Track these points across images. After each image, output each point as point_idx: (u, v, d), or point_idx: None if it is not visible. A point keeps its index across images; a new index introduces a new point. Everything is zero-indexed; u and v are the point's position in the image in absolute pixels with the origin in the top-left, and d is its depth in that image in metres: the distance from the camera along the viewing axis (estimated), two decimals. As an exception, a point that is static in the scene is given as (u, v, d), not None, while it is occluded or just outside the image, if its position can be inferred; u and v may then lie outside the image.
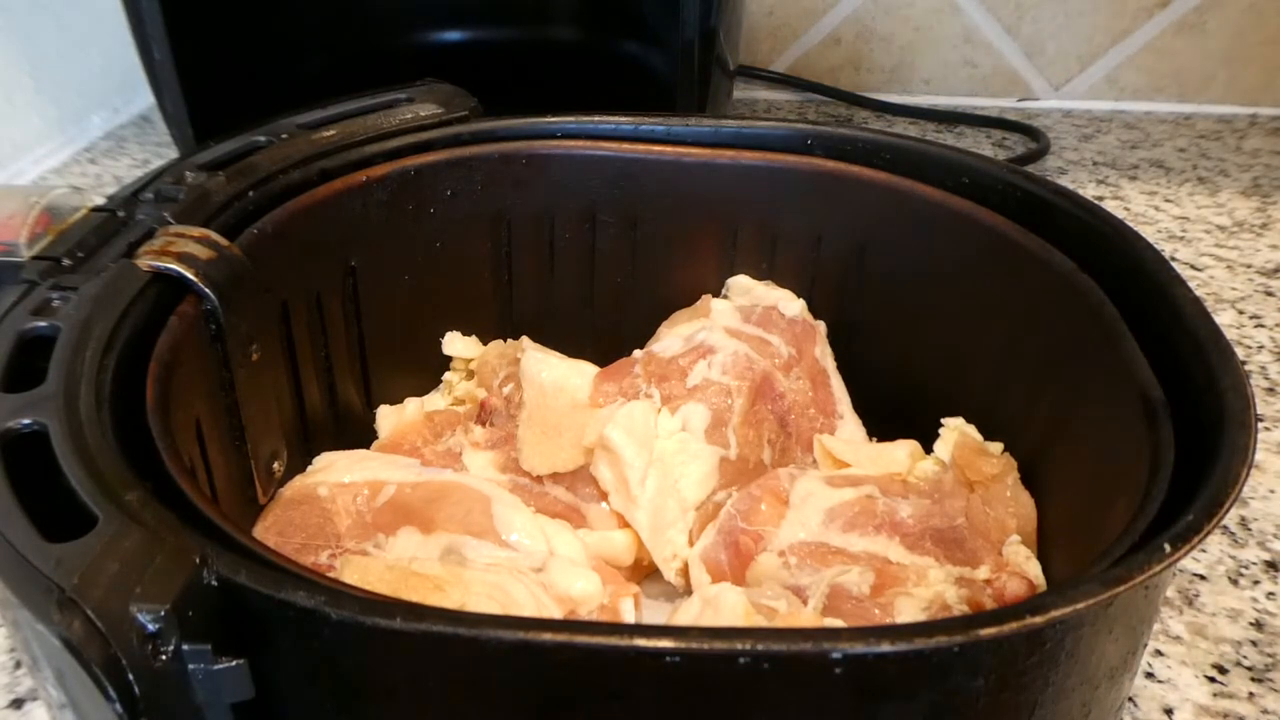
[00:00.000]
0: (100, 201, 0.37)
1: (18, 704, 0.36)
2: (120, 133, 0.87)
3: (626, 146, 0.45)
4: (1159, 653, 0.38)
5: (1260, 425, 0.51)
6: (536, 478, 0.41)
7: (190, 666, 0.22)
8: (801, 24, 0.93)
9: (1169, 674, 0.37)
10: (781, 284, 0.47)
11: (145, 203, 0.37)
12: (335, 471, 0.39)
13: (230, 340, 0.35)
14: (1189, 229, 0.71)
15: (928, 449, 0.42)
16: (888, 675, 0.22)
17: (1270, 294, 0.63)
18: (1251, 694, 0.37)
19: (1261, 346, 0.58)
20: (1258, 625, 0.40)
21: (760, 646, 0.21)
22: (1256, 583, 0.42)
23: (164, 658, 0.22)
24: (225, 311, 0.35)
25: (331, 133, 0.43)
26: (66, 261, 0.33)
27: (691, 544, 0.39)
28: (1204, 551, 0.43)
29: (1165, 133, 0.86)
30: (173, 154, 0.72)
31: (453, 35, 0.75)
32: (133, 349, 0.31)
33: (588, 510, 0.40)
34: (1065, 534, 0.36)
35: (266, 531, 0.37)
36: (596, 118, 0.46)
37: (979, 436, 0.41)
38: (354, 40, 0.74)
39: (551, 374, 0.42)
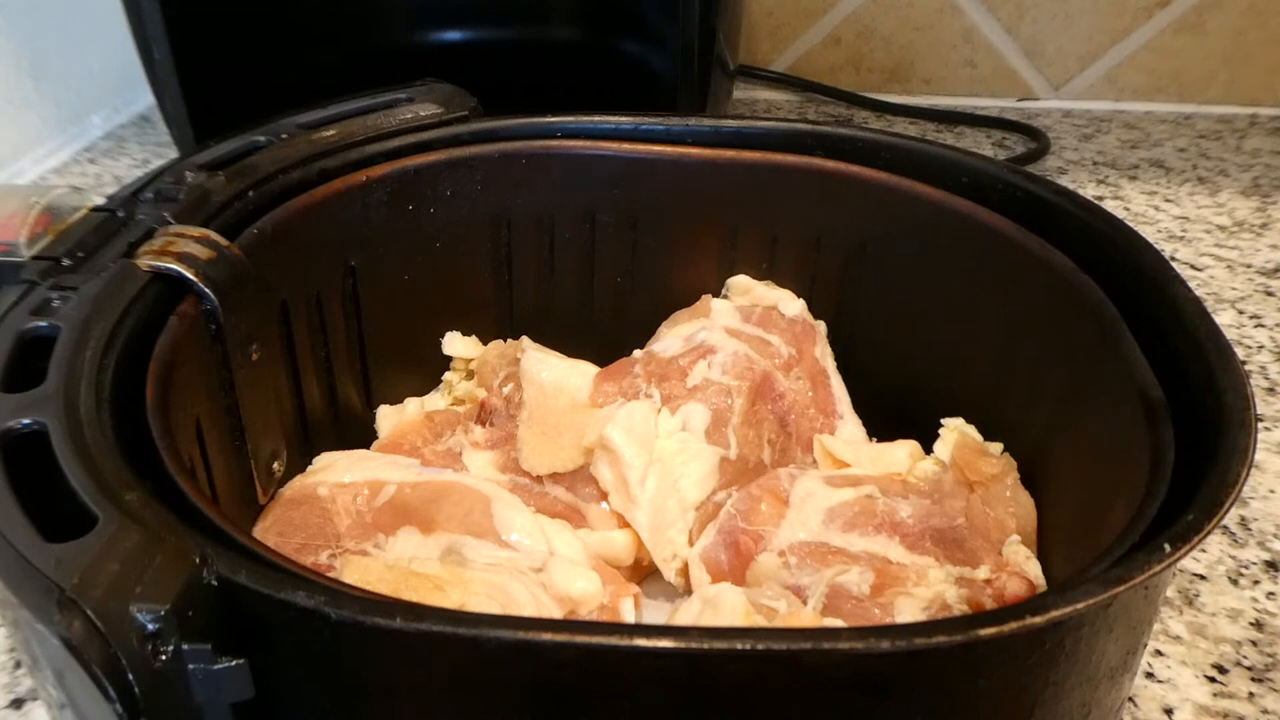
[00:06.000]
0: (100, 201, 0.36)
1: (18, 704, 0.36)
2: (120, 133, 0.87)
3: (626, 146, 0.45)
4: (1159, 653, 0.38)
5: (1260, 425, 0.51)
6: (536, 478, 0.41)
7: (190, 666, 0.22)
8: (801, 24, 0.93)
9: (1169, 674, 0.37)
10: (781, 284, 0.47)
11: (145, 203, 0.37)
12: (335, 471, 0.39)
13: (230, 340, 0.35)
14: (1189, 229, 0.71)
15: (928, 449, 0.42)
16: (888, 675, 0.22)
17: (1270, 294, 0.63)
18: (1251, 694, 0.37)
19: (1261, 346, 0.58)
20: (1258, 625, 0.40)
21: (760, 646, 0.21)
22: (1256, 583, 0.42)
23: (164, 658, 0.22)
24: (225, 311, 0.35)
25: (331, 133, 0.43)
26: (66, 261, 0.33)
27: (691, 544, 0.39)
28: (1204, 551, 0.43)
29: (1165, 133, 0.86)
30: (173, 154, 0.72)
31: (453, 35, 0.75)
32: (133, 349, 0.31)
33: (588, 510, 0.40)
34: (1065, 534, 0.36)
35: (266, 531, 0.37)
36: (596, 117, 0.46)
37: (979, 436, 0.41)
38: (354, 40, 0.74)
39: (551, 374, 0.42)
